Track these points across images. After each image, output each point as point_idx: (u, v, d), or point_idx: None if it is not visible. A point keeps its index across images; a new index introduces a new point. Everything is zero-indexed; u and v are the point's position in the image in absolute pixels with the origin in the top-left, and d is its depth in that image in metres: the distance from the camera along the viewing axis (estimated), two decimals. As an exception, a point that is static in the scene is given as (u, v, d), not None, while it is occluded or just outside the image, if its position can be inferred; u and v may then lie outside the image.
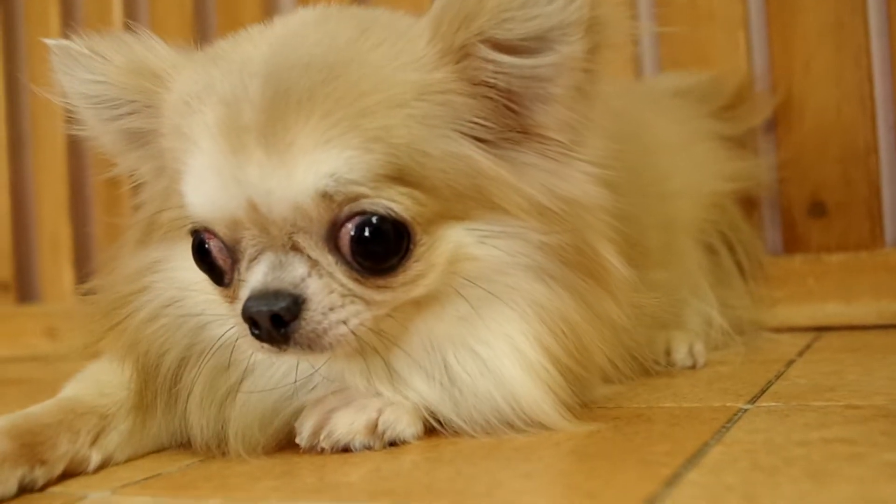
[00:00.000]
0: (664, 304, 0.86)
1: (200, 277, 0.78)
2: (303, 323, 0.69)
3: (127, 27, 0.85)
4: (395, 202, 0.69)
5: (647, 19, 1.47)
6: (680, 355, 1.02)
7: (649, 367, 0.98)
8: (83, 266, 1.99)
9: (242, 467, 0.73)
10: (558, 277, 0.75)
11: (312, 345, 0.70)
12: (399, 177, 0.70)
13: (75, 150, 1.98)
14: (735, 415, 0.78)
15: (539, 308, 0.75)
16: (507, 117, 0.73)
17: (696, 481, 0.59)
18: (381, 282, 0.72)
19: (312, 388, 0.79)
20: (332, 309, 0.70)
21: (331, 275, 0.70)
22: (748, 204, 1.35)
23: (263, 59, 0.72)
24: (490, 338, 0.75)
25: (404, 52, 0.72)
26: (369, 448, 0.74)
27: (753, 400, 0.84)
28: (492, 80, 0.72)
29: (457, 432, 0.76)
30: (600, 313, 0.76)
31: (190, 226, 0.75)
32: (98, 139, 0.86)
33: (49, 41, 0.82)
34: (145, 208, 0.86)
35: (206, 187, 0.71)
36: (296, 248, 0.71)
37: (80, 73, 0.80)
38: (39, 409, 0.75)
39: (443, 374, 0.76)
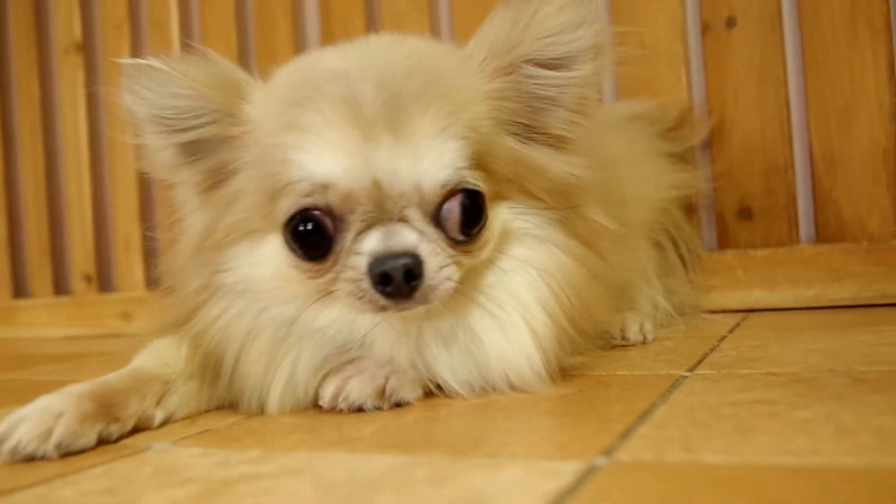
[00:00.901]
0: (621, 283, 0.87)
1: (262, 268, 0.75)
2: (424, 279, 0.68)
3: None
4: (479, 182, 0.72)
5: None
6: (632, 333, 1.01)
7: (607, 342, 0.99)
8: (151, 261, 1.99)
9: (277, 424, 0.73)
10: (563, 247, 0.77)
11: (426, 298, 0.69)
12: (479, 162, 0.72)
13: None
14: (677, 381, 0.77)
15: (549, 276, 0.76)
16: (533, 118, 0.76)
17: (645, 435, 0.58)
18: (465, 247, 0.72)
19: (347, 354, 0.77)
20: (441, 268, 0.70)
21: (435, 241, 0.70)
22: (688, 208, 1.35)
23: (362, 68, 0.72)
24: (508, 300, 0.75)
25: (467, 66, 0.76)
26: (379, 409, 0.74)
27: (692, 369, 0.83)
28: (529, 90, 0.76)
29: (450, 396, 0.76)
30: (597, 274, 0.79)
31: (296, 208, 0.70)
32: (156, 154, 0.79)
33: (124, 60, 0.78)
34: (195, 221, 0.80)
35: (333, 162, 0.69)
36: (403, 220, 0.70)
37: (154, 89, 0.75)
38: (113, 377, 0.75)
39: (466, 337, 0.75)
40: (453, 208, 0.70)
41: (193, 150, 0.78)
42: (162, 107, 0.76)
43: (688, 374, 0.81)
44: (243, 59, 1.84)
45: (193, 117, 0.76)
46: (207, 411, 0.81)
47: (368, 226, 0.69)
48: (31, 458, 0.64)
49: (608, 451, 0.54)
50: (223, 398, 0.81)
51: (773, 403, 0.65)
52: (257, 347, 0.76)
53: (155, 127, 0.78)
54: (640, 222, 1.12)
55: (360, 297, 0.69)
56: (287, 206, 0.71)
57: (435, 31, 1.61)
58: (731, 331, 1.11)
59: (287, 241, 0.73)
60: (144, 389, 0.75)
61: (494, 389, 0.75)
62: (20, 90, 2.15)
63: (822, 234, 1.37)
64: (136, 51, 1.96)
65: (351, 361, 0.77)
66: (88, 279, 2.05)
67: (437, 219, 0.71)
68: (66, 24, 2.07)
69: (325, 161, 0.69)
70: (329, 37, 1.70)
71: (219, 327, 0.77)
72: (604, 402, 0.71)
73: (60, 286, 2.14)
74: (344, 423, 0.71)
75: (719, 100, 1.43)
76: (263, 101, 0.76)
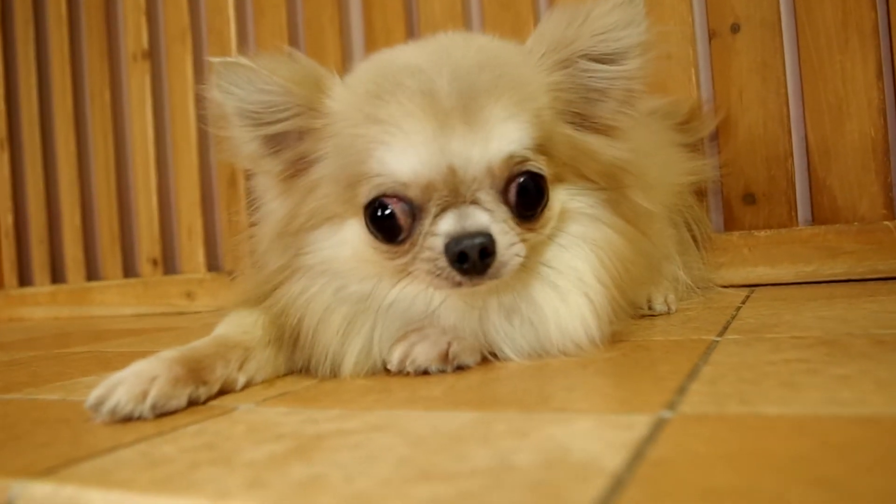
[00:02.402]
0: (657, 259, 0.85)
1: (342, 250, 0.73)
2: (496, 256, 0.66)
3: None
4: (542, 165, 0.69)
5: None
6: (658, 303, 0.99)
7: (636, 312, 0.96)
8: (211, 246, 1.98)
9: (350, 386, 0.71)
10: (612, 224, 0.75)
11: (498, 273, 0.67)
12: (542, 147, 0.70)
13: (205, 162, 1.96)
14: (711, 345, 0.74)
15: (599, 249, 0.74)
16: (586, 108, 0.74)
17: (699, 391, 0.56)
18: (530, 224, 0.70)
19: (417, 324, 0.74)
20: (510, 245, 0.68)
21: (504, 220, 0.68)
22: (699, 193, 1.32)
23: (437, 63, 0.70)
24: (566, 272, 0.73)
25: (529, 60, 0.74)
26: (443, 372, 0.71)
27: (721, 334, 0.80)
28: (583, 82, 0.74)
29: (503, 360, 0.73)
30: (640, 249, 0.77)
31: (375, 193, 0.68)
32: (242, 146, 0.76)
33: (214, 59, 0.74)
34: (276, 208, 0.77)
35: (412, 157, 0.66)
36: (475, 202, 0.67)
37: (242, 85, 0.72)
38: (200, 344, 0.73)
39: (528, 307, 0.73)
40: (519, 188, 0.69)
41: (277, 142, 0.76)
42: (249, 101, 0.73)
43: (718, 338, 0.78)
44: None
45: (278, 111, 0.73)
46: (282, 376, 0.79)
47: (443, 209, 0.67)
48: (128, 418, 0.62)
49: (671, 405, 0.52)
50: (297, 364, 0.78)
51: (808, 362, 0.62)
52: (335, 320, 0.74)
53: (242, 120, 0.75)
54: (661, 205, 1.09)
55: (438, 275, 0.67)
56: (367, 194, 0.69)
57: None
58: (743, 302, 1.08)
59: (367, 226, 0.70)
60: (229, 355, 0.72)
61: (548, 354, 0.73)
62: (93, 93, 2.13)
63: (818, 217, 1.34)
64: (197, 58, 1.94)
65: (415, 330, 0.75)
66: (154, 262, 2.03)
67: (505, 198, 0.69)
68: (134, 33, 2.05)
69: (404, 155, 0.67)
70: (372, 43, 1.67)
71: (300, 303, 0.75)
72: (650, 363, 0.69)
73: (129, 269, 2.13)
74: (413, 384, 0.68)
75: (725, 97, 1.40)
76: (344, 95, 0.73)
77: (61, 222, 2.21)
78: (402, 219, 0.68)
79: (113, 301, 2.06)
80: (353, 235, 0.72)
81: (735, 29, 1.38)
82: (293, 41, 1.81)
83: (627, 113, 0.76)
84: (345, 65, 1.44)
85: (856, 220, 1.29)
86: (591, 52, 0.73)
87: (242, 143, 0.76)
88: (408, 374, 0.72)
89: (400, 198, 0.68)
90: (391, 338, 0.74)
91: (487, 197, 0.67)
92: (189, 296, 1.91)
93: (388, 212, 0.68)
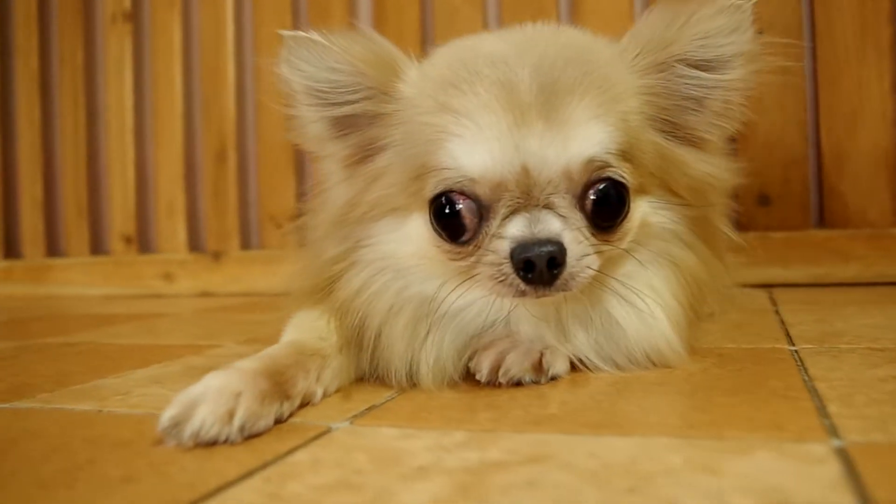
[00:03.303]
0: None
1: (405, 246, 0.67)
2: (566, 267, 0.61)
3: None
4: (626, 174, 0.64)
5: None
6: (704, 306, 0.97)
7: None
8: (194, 225, 1.86)
9: (440, 400, 0.64)
10: (691, 244, 0.70)
11: (566, 286, 0.62)
12: (627, 153, 0.64)
13: (190, 134, 1.83)
14: (793, 356, 0.72)
15: (678, 268, 0.69)
16: (679, 116, 0.69)
17: (843, 413, 0.53)
18: (606, 236, 0.65)
19: (489, 334, 0.69)
20: (583, 256, 0.62)
21: (578, 229, 0.62)
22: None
23: (521, 54, 0.65)
24: (645, 290, 0.69)
25: (621, 60, 0.68)
26: (536, 383, 0.67)
27: (790, 343, 0.79)
28: (679, 88, 0.68)
29: (589, 369, 0.69)
30: (713, 272, 0.72)
31: (442, 187, 0.63)
32: (308, 126, 0.71)
33: (284, 32, 0.69)
34: (339, 193, 0.72)
35: (484, 152, 0.61)
36: (548, 207, 0.62)
37: (312, 62, 0.68)
38: (277, 352, 0.65)
39: (604, 321, 0.68)
40: (598, 196, 0.63)
41: (345, 125, 0.70)
42: (318, 80, 0.68)
43: (793, 347, 0.77)
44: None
45: (348, 92, 0.68)
46: (350, 384, 0.72)
47: (514, 211, 0.62)
48: (212, 443, 0.53)
49: (832, 432, 0.49)
50: (362, 368, 0.72)
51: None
52: (400, 324, 0.68)
53: (309, 99, 0.69)
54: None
55: (501, 281, 0.62)
56: (433, 188, 0.64)
57: (485, 25, 1.53)
58: (774, 305, 1.08)
59: (431, 222, 0.65)
60: (308, 365, 0.65)
61: (631, 366, 0.69)
62: (63, 55, 1.94)
63: (829, 221, 1.37)
64: (186, 22, 1.79)
65: (504, 337, 0.70)
66: (128, 240, 1.89)
67: (582, 205, 0.63)
68: (116, -7, 1.87)
69: (475, 150, 0.61)
70: (382, 24, 1.58)
71: (361, 301, 0.69)
72: (753, 377, 0.66)
73: (97, 246, 1.97)
74: (514, 398, 0.63)
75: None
76: (419, 80, 0.68)
77: (18, 191, 2.02)
78: (469, 217, 0.63)
79: (77, 280, 1.90)
80: (416, 231, 0.67)
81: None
82: (295, 16, 1.69)
83: (723, 126, 0.70)
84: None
85: (866, 226, 1.32)
86: (689, 57, 0.68)
87: (308, 123, 0.71)
88: (499, 385, 0.67)
89: (468, 195, 0.63)
90: (462, 348, 0.69)
91: (562, 202, 0.62)
92: (167, 277, 1.78)
93: (454, 209, 0.63)
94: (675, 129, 0.69)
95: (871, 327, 0.87)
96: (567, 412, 0.58)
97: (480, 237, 0.63)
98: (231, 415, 0.54)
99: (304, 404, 0.64)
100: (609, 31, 0.75)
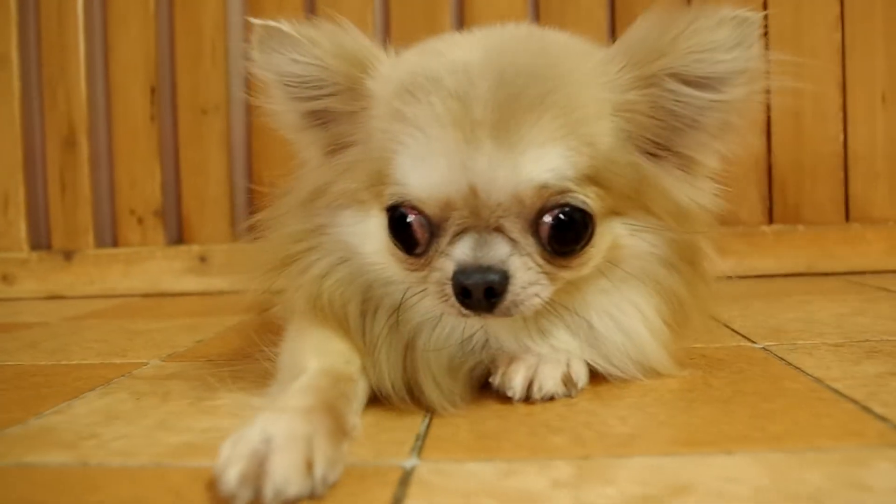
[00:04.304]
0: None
1: (366, 242, 0.64)
2: (508, 295, 0.57)
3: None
4: (590, 198, 0.59)
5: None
6: None
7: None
8: (36, 220, 1.56)
9: (481, 424, 0.58)
10: (674, 265, 0.66)
11: (508, 312, 0.59)
12: (594, 177, 0.59)
13: (29, 118, 1.52)
14: (766, 352, 0.75)
15: (660, 287, 0.66)
16: (665, 136, 0.64)
17: (882, 414, 0.55)
18: (564, 262, 0.60)
19: (484, 345, 0.66)
20: (530, 284, 0.58)
21: (529, 255, 0.59)
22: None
23: (486, 63, 0.59)
24: (624, 306, 0.66)
25: (603, 73, 0.62)
26: (569, 396, 0.64)
27: (751, 340, 0.82)
28: (668, 106, 0.62)
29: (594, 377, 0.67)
30: (697, 292, 0.69)
31: (394, 200, 0.60)
32: (281, 115, 0.68)
33: (255, 21, 0.65)
34: (310, 178, 0.68)
35: (430, 170, 0.57)
36: (498, 230, 0.58)
37: (283, 52, 0.64)
38: (317, 383, 0.56)
39: (587, 333, 0.66)
40: (555, 222, 0.58)
41: (318, 117, 0.67)
42: (285, 73, 0.65)
43: (757, 345, 0.80)
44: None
45: (314, 87, 0.65)
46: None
47: (464, 229, 0.58)
48: (294, 501, 0.44)
49: (882, 435, 0.51)
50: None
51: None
52: (378, 325, 0.65)
53: (279, 91, 0.67)
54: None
55: (445, 301, 0.59)
56: (388, 198, 0.60)
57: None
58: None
59: (388, 228, 0.62)
60: (349, 393, 0.58)
61: (625, 373, 0.67)
62: None
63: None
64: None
65: (524, 350, 0.66)
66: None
67: (535, 230, 0.59)
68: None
69: (422, 165, 0.58)
70: None
71: (330, 284, 0.65)
72: (756, 378, 0.67)
73: None
74: (567, 417, 0.59)
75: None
76: (385, 80, 0.63)
77: None
78: (420, 232, 0.60)
79: None
80: (376, 230, 0.64)
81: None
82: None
83: (716, 150, 0.65)
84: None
85: (739, 224, 1.47)
86: (682, 73, 0.61)
87: (282, 114, 0.68)
88: (534, 401, 0.63)
89: (418, 210, 0.60)
90: (450, 367, 0.65)
91: (513, 226, 0.58)
92: (6, 279, 1.48)
93: (405, 222, 0.60)
94: (660, 149, 0.64)
95: (837, 316, 0.95)
96: (639, 430, 0.56)
97: (431, 252, 0.60)
98: (310, 464, 0.46)
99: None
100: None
